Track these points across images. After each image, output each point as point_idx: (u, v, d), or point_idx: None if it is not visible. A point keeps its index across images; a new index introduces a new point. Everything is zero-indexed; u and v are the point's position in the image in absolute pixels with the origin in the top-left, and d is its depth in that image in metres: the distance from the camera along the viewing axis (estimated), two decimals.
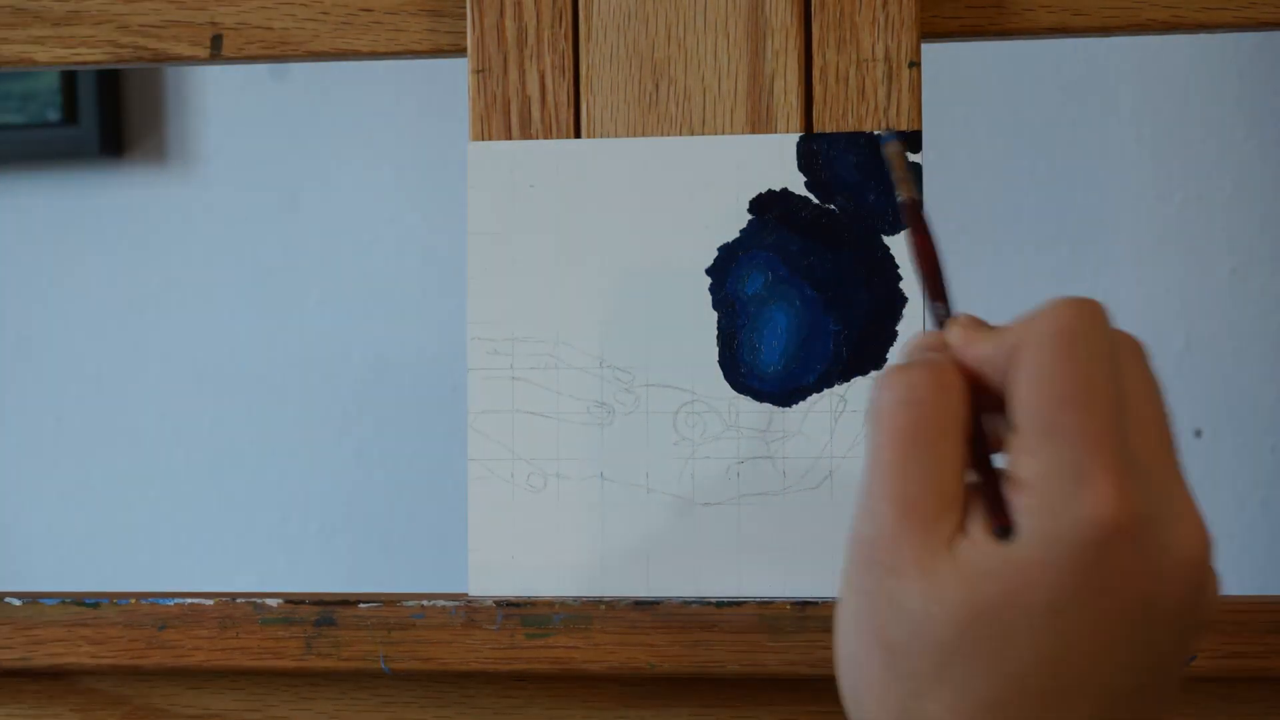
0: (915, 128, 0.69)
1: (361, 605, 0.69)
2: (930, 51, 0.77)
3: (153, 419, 1.42)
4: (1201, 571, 0.49)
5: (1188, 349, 1.17)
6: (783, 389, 0.70)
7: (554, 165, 0.71)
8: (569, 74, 0.70)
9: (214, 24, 0.73)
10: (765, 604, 0.68)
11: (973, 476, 0.50)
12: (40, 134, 1.41)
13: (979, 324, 0.52)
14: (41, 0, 0.74)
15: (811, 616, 0.67)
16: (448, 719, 0.72)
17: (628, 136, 0.71)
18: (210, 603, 0.70)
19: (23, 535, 1.45)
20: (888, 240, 0.69)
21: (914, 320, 0.69)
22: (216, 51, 0.73)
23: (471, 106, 0.71)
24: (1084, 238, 1.19)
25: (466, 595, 0.69)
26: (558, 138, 0.71)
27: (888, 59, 0.69)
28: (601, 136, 0.71)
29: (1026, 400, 0.48)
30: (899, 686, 0.49)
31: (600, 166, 0.71)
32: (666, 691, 0.71)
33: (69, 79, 1.40)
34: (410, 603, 0.69)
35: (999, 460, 0.50)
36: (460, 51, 0.72)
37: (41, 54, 0.74)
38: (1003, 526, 0.47)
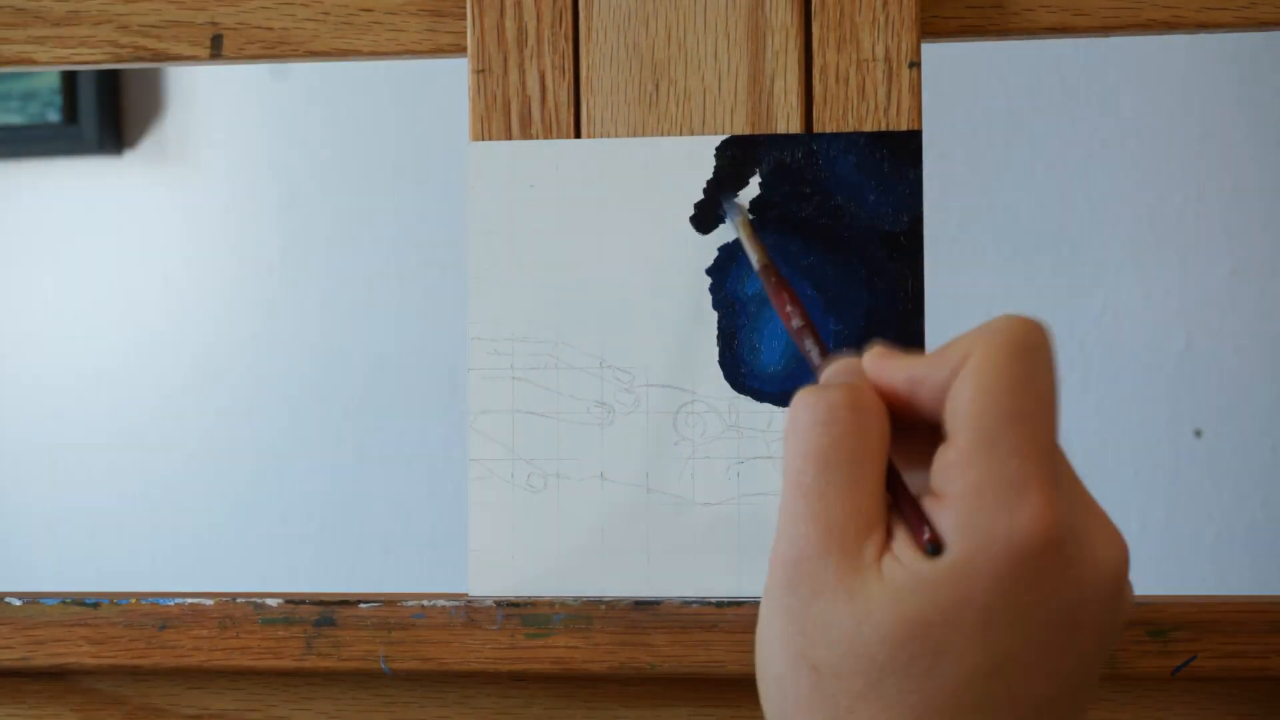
0: (915, 128, 0.69)
1: (361, 605, 0.69)
2: (930, 51, 0.77)
3: (152, 419, 1.42)
4: (1120, 579, 0.50)
5: (1188, 349, 1.17)
6: (783, 389, 0.70)
7: (554, 165, 0.71)
8: (569, 74, 0.70)
9: (214, 24, 0.73)
10: None
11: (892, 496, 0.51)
12: (40, 134, 1.41)
13: (893, 350, 0.53)
14: (41, 0, 0.74)
15: None
16: (448, 719, 0.72)
17: (628, 136, 0.71)
18: (210, 603, 0.70)
19: (23, 535, 1.45)
20: (888, 240, 0.69)
21: (914, 320, 0.69)
22: (216, 51, 0.73)
23: (471, 106, 0.71)
24: (1084, 238, 1.19)
25: (466, 595, 0.69)
26: (558, 138, 0.71)
27: (888, 59, 0.69)
28: (601, 136, 0.71)
29: (969, 412, 0.49)
30: (829, 705, 0.49)
31: (600, 166, 0.71)
32: (666, 691, 0.71)
33: (69, 79, 1.40)
34: (410, 603, 0.69)
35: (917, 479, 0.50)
36: (460, 51, 0.72)
37: (41, 54, 0.74)
38: (933, 543, 0.48)
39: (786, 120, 0.70)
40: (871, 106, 0.69)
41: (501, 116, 0.71)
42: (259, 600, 0.69)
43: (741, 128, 0.70)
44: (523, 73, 0.71)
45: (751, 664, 0.66)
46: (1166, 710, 0.68)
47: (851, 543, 0.49)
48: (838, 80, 0.69)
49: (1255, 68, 1.17)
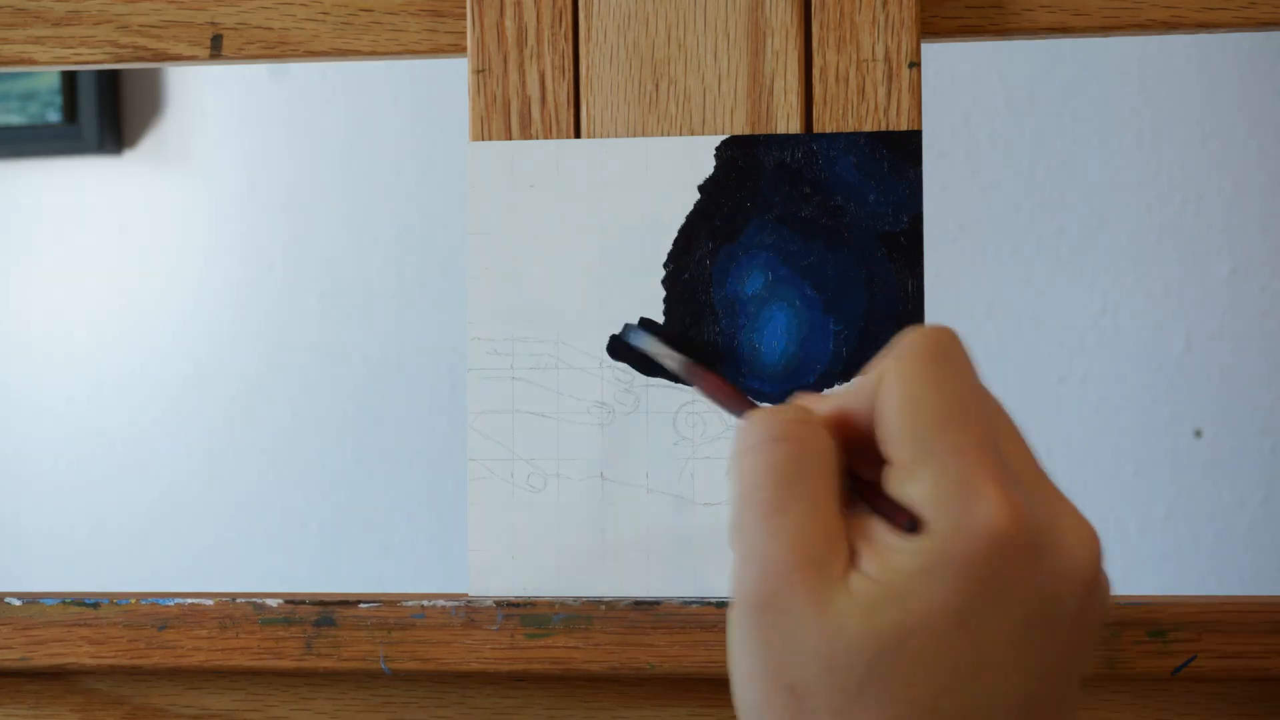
0: (915, 128, 0.69)
1: (361, 605, 0.69)
2: (930, 51, 0.77)
3: (153, 419, 1.42)
4: (1094, 571, 0.49)
5: (1188, 349, 1.18)
6: (783, 389, 0.70)
7: (554, 165, 0.71)
8: (569, 74, 0.70)
9: (214, 24, 0.73)
10: None
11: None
12: (40, 134, 1.41)
13: (814, 395, 0.53)
14: (41, 0, 0.74)
15: None
16: (447, 719, 0.72)
17: (628, 136, 0.71)
18: (210, 603, 0.70)
19: (23, 535, 1.45)
20: (888, 240, 0.69)
21: (914, 320, 0.69)
22: (216, 51, 0.73)
23: (471, 106, 0.71)
24: (1084, 238, 1.19)
25: (466, 595, 0.69)
26: (558, 138, 0.71)
27: (888, 59, 0.69)
28: (601, 136, 0.71)
29: (900, 426, 0.49)
30: None
31: (600, 166, 0.71)
32: (666, 691, 0.71)
33: (69, 79, 1.40)
34: (410, 603, 0.69)
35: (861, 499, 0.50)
36: (460, 51, 0.72)
37: (41, 54, 0.74)
38: (911, 520, 0.47)
39: (786, 120, 0.70)
40: (871, 106, 0.69)
41: (501, 116, 0.71)
42: (259, 600, 0.69)
43: (741, 128, 0.70)
44: (523, 73, 0.71)
45: None
46: (1166, 710, 0.68)
47: (819, 557, 0.48)
48: (838, 80, 0.69)
49: (1255, 68, 1.17)
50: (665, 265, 0.70)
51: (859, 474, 0.51)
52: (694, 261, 0.70)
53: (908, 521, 0.47)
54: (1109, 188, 1.19)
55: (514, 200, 0.71)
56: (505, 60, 0.71)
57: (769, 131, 0.70)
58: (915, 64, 0.69)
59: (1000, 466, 0.48)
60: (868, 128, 0.69)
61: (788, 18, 0.70)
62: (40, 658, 0.70)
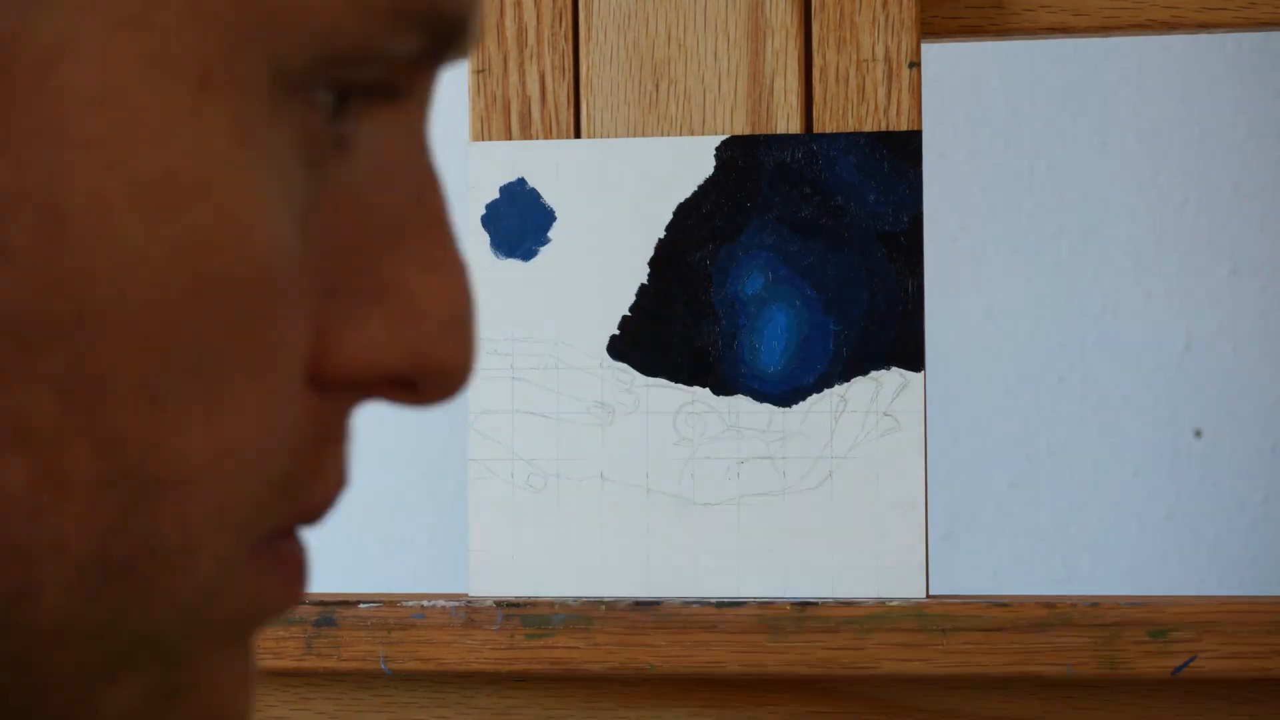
0: (915, 128, 0.69)
1: (361, 605, 0.69)
2: (930, 51, 0.78)
3: None
4: None
5: (1188, 349, 1.18)
6: (783, 389, 0.70)
7: (554, 165, 0.71)
8: (569, 74, 0.70)
9: None
10: (765, 604, 0.68)
11: None
12: None
13: None
14: None
15: (811, 616, 0.67)
16: (447, 719, 0.72)
17: (628, 136, 0.71)
18: None
19: None
20: (888, 240, 0.69)
21: (915, 320, 0.69)
22: None
23: (471, 106, 0.71)
24: (1084, 238, 1.19)
25: (466, 595, 0.69)
26: (558, 138, 0.71)
27: (888, 59, 0.69)
28: (601, 136, 0.71)
29: None
30: None
31: (600, 166, 0.71)
32: (666, 691, 0.71)
33: None
34: (410, 603, 0.69)
35: None
36: None
37: None
38: None
39: (786, 120, 0.70)
40: (871, 107, 0.69)
41: (501, 116, 0.71)
42: None
43: (741, 128, 0.70)
44: (523, 73, 0.71)
45: (751, 664, 0.66)
46: (1166, 710, 0.68)
47: None
48: (838, 80, 0.69)
49: (1255, 68, 1.17)
50: (665, 265, 0.70)
51: None
52: (694, 261, 0.70)
53: None
54: (1109, 188, 1.19)
55: (514, 200, 0.71)
56: (505, 60, 0.71)
57: (769, 131, 0.70)
58: (915, 64, 0.69)
59: None
60: (868, 128, 0.69)
61: (788, 18, 0.70)
62: None
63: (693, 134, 0.70)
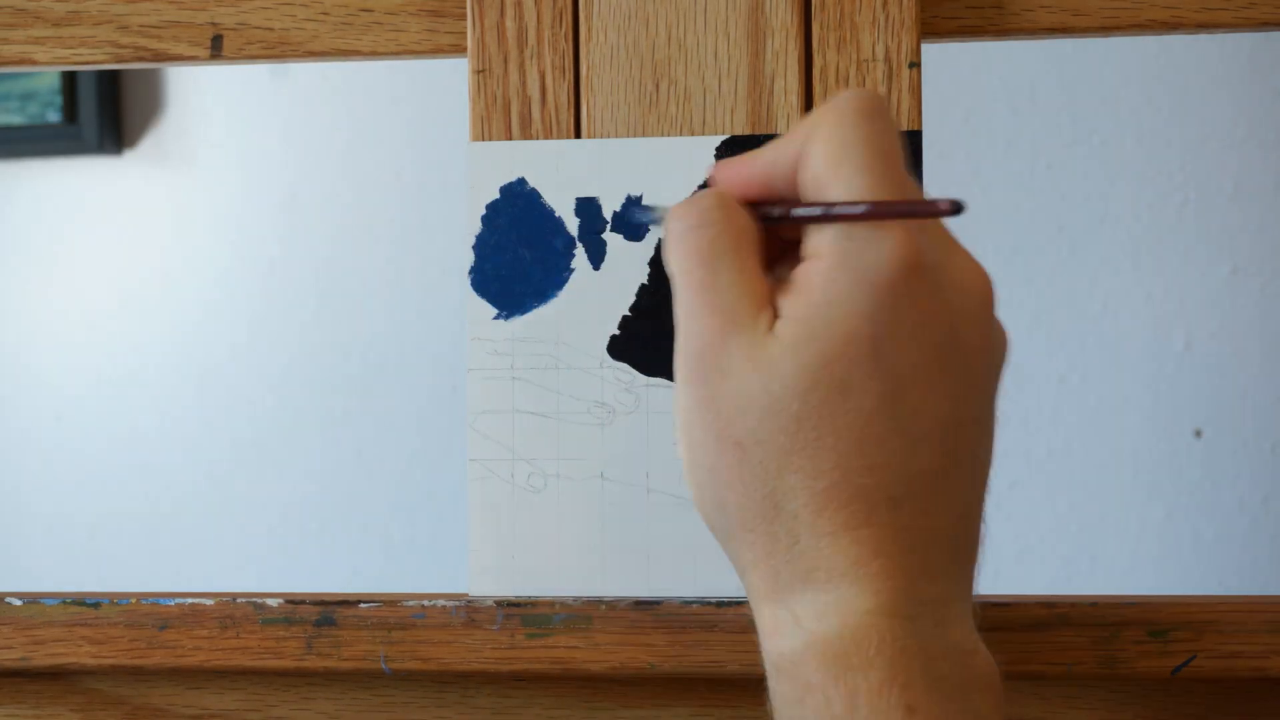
0: (915, 128, 0.69)
1: (362, 605, 0.69)
2: (930, 51, 0.78)
3: (152, 419, 1.42)
4: (988, 300, 0.55)
5: (1188, 349, 1.18)
6: None
7: (554, 165, 0.71)
8: (569, 74, 0.70)
9: (214, 24, 0.73)
10: None
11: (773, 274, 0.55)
12: (40, 134, 1.41)
13: (735, 158, 0.58)
14: (41, 1, 0.74)
15: None
16: (447, 719, 0.72)
17: (628, 137, 0.71)
18: (211, 603, 0.70)
19: (23, 535, 1.45)
20: None
21: None
22: (216, 52, 0.73)
23: (471, 106, 0.71)
24: (1084, 238, 1.19)
25: (466, 595, 0.69)
26: (558, 138, 0.71)
27: (888, 59, 0.69)
28: (601, 136, 0.71)
29: (827, 170, 0.53)
30: (758, 473, 0.53)
31: (600, 166, 0.71)
32: (666, 691, 0.71)
33: (69, 79, 1.40)
34: (410, 603, 0.69)
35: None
36: (460, 51, 0.72)
37: (41, 54, 0.74)
38: (957, 203, 0.51)
39: (786, 120, 0.70)
40: None
41: (501, 116, 0.71)
42: (259, 600, 0.69)
43: (741, 128, 0.70)
44: (523, 73, 0.71)
45: (751, 664, 0.66)
46: (1166, 710, 0.68)
47: (748, 320, 0.53)
48: (838, 80, 0.69)
49: (1255, 68, 1.17)
50: (666, 265, 0.70)
51: (778, 210, 0.56)
52: None
53: (948, 203, 0.51)
54: (1109, 188, 1.19)
55: (514, 200, 0.71)
56: (505, 60, 0.71)
57: (769, 132, 0.70)
58: (915, 64, 0.69)
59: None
60: None
61: (788, 18, 0.70)
62: (41, 658, 0.70)
63: (693, 134, 0.70)
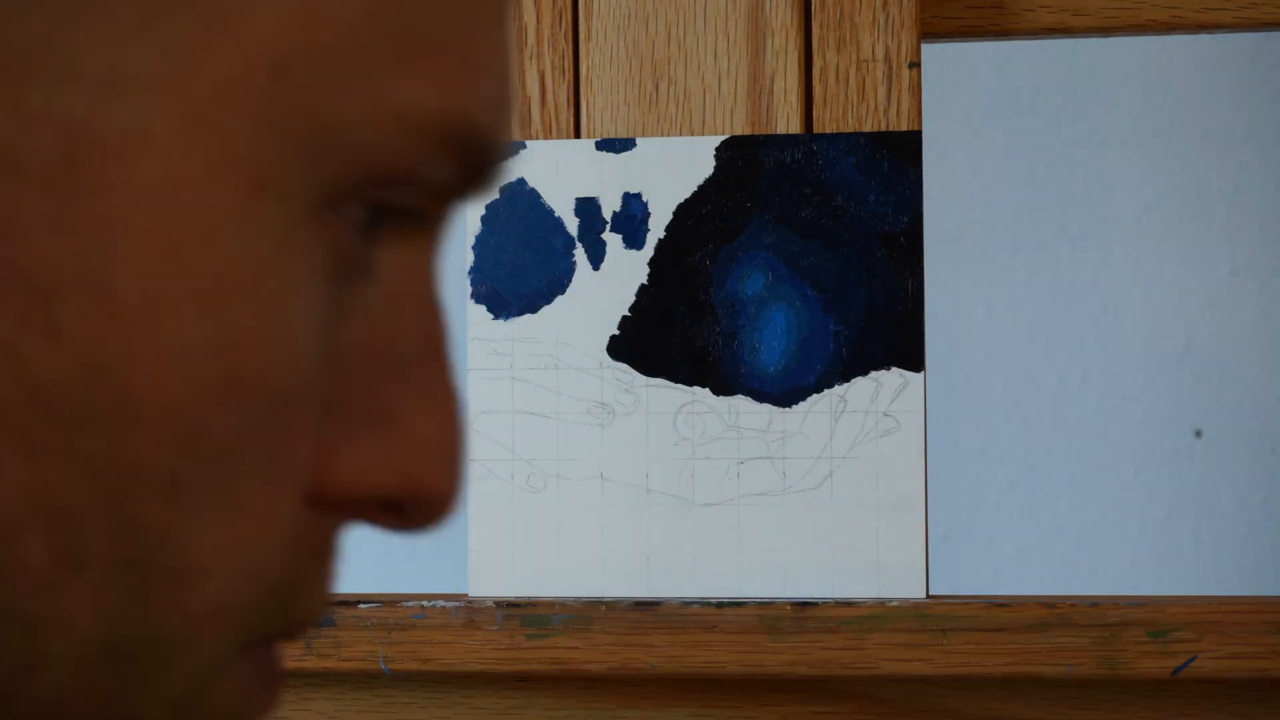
0: (915, 128, 0.69)
1: (361, 605, 0.69)
2: (930, 51, 0.77)
3: None
4: None
5: (1188, 349, 1.17)
6: (783, 389, 0.70)
7: (554, 165, 0.71)
8: (569, 74, 0.70)
9: None
10: (765, 604, 0.68)
11: None
12: None
13: None
14: None
15: (811, 616, 0.67)
16: (447, 719, 0.72)
17: (628, 136, 0.71)
18: None
19: None
20: (888, 240, 0.69)
21: (915, 320, 0.69)
22: None
23: None
24: (1084, 238, 1.19)
25: (467, 595, 0.69)
26: (558, 138, 0.71)
27: (888, 59, 0.69)
28: (601, 136, 0.71)
29: None
30: None
31: (600, 167, 0.71)
32: (666, 691, 0.71)
33: None
34: (410, 603, 0.69)
35: None
36: None
37: None
38: None
39: (786, 120, 0.70)
40: (871, 107, 0.69)
41: None
42: None
43: (741, 128, 0.70)
44: (523, 73, 0.71)
45: (751, 664, 0.66)
46: (1166, 710, 0.68)
47: None
48: (837, 80, 0.69)
49: (1255, 68, 1.17)
50: (665, 265, 0.70)
51: None
52: (694, 261, 0.70)
53: None
54: (1109, 188, 1.19)
55: (514, 201, 0.71)
56: None
57: (769, 132, 0.70)
58: (915, 64, 0.69)
59: None
60: (868, 128, 0.69)
61: (788, 18, 0.70)
62: None
63: (693, 134, 0.70)
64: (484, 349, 0.71)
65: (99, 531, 0.27)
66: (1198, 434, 1.19)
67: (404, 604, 0.69)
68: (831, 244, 0.70)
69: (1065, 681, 0.67)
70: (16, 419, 0.27)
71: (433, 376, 0.31)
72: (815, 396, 0.70)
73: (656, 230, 0.70)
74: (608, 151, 0.71)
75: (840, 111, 0.69)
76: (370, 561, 1.38)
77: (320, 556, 0.31)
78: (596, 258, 0.71)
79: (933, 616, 0.66)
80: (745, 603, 0.68)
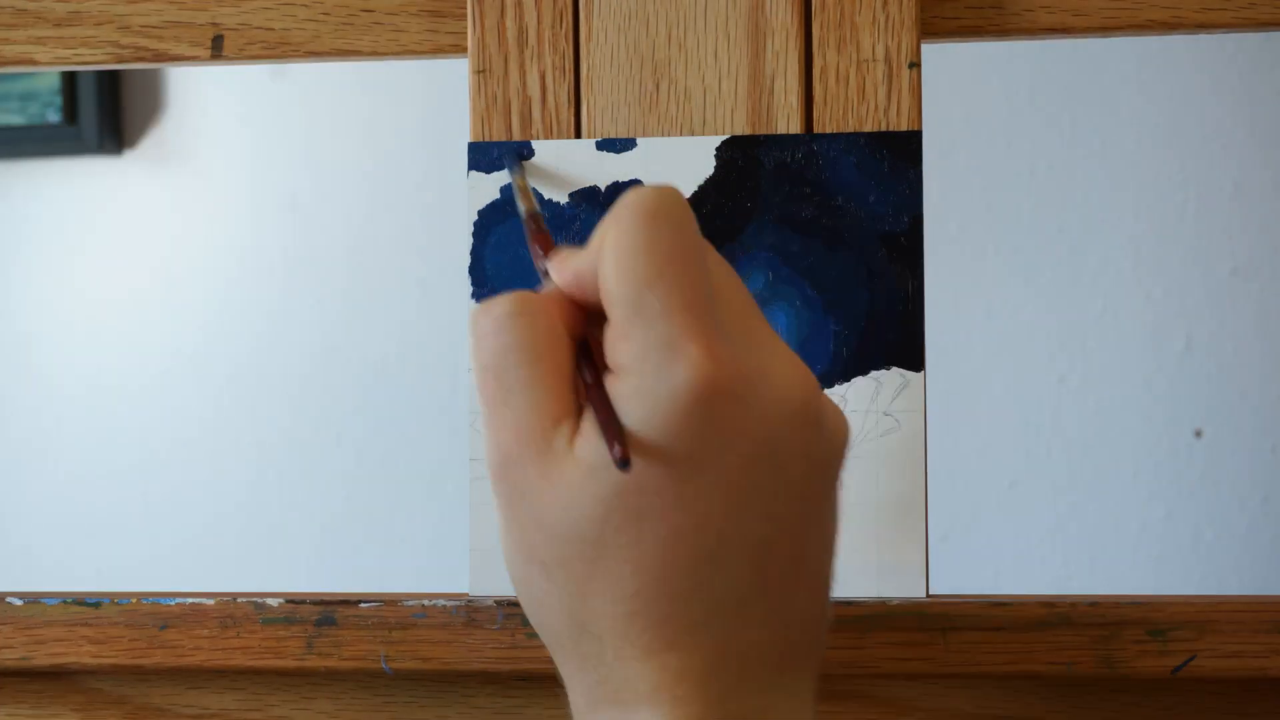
0: (915, 128, 0.69)
1: (362, 605, 0.69)
2: (930, 51, 0.78)
3: (153, 418, 1.42)
4: (808, 406, 0.51)
5: (1188, 349, 1.18)
6: None
7: (554, 165, 0.71)
8: (569, 74, 0.70)
9: (215, 24, 0.73)
10: None
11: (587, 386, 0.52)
12: (40, 134, 1.41)
13: (572, 250, 0.54)
14: (42, 1, 0.74)
15: None
16: (448, 719, 0.72)
17: (628, 136, 0.71)
18: (211, 602, 0.70)
19: (23, 535, 1.45)
20: (888, 241, 0.70)
21: (915, 320, 0.69)
22: (217, 52, 0.73)
23: (472, 106, 0.71)
24: (1084, 238, 1.19)
25: (467, 595, 0.69)
26: (558, 138, 0.71)
27: (888, 59, 0.69)
28: (602, 136, 0.71)
29: (613, 286, 0.50)
30: (564, 596, 0.51)
31: (600, 167, 0.71)
32: None
33: (69, 79, 1.40)
34: (411, 602, 0.69)
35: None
36: (461, 52, 0.72)
37: (42, 55, 0.74)
38: (624, 460, 0.48)
39: (786, 120, 0.70)
40: (871, 107, 0.69)
41: (501, 116, 0.71)
42: (260, 600, 0.69)
43: (741, 128, 0.70)
44: (523, 73, 0.71)
45: None
46: (1166, 710, 0.68)
47: (541, 437, 0.50)
48: (838, 80, 0.70)
49: (1255, 68, 1.17)
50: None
51: (594, 338, 0.52)
52: None
53: (621, 461, 0.48)
54: (1109, 188, 1.19)
55: (514, 200, 0.71)
56: (505, 60, 0.71)
57: (769, 132, 0.70)
58: (915, 64, 0.69)
59: (707, 322, 0.49)
60: (868, 128, 0.70)
61: (788, 18, 0.70)
62: (41, 657, 0.70)
63: (693, 134, 0.70)
64: None
65: None
66: (1198, 434, 1.19)
67: (404, 603, 0.69)
68: (831, 244, 0.70)
69: (1065, 680, 0.67)
70: None
71: None
72: None
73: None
74: (608, 151, 0.71)
75: (840, 111, 0.69)
76: (371, 561, 1.39)
77: None
78: None
79: (933, 616, 0.66)
80: None
